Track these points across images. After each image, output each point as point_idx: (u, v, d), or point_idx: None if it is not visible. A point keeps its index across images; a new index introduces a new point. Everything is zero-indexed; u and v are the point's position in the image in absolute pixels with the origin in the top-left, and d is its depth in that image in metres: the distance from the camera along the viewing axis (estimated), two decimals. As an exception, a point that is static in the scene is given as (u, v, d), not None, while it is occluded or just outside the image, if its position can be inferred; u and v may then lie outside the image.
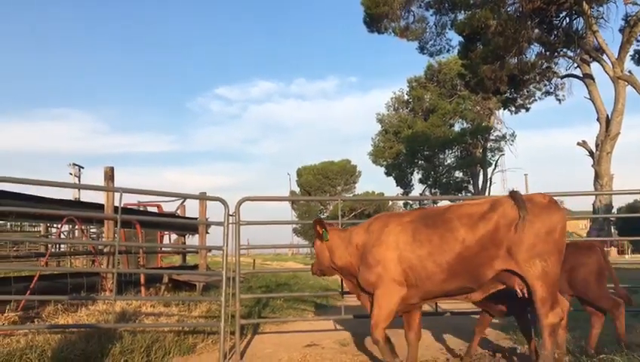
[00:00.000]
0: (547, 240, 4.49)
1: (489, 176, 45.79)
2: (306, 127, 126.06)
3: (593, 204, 17.58)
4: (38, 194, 8.88)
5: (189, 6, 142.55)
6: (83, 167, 34.84)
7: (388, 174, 50.32)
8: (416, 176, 49.90)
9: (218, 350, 6.15)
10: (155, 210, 17.61)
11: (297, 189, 65.00)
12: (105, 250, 10.33)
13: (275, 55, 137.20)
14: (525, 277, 4.52)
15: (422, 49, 25.77)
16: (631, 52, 18.56)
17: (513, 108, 25.59)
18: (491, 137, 45.89)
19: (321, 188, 63.39)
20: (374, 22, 23.44)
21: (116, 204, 9.38)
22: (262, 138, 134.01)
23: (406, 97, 50.43)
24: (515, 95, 24.23)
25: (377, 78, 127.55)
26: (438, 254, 4.69)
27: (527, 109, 25.43)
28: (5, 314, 6.86)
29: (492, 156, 46.66)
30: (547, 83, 24.04)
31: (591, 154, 18.49)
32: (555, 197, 4.83)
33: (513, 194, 4.73)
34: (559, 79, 23.29)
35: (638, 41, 18.39)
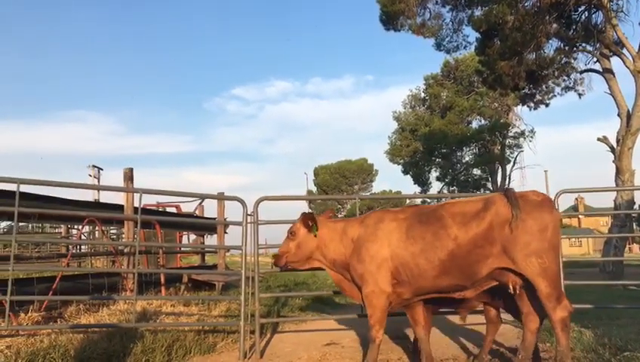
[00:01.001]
0: (541, 238, 4.55)
1: (508, 173, 45.37)
2: (322, 126, 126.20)
3: (614, 201, 17.29)
4: (59, 196, 9.01)
5: (205, 7, 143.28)
6: (102, 169, 35.16)
7: (405, 173, 50.14)
8: (434, 174, 49.68)
9: (238, 349, 6.18)
10: (173, 210, 17.76)
11: (314, 189, 65.10)
12: (125, 251, 10.44)
13: (291, 54, 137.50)
14: (525, 275, 4.57)
15: (438, 46, 25.57)
16: (651, 45, 18.22)
17: (532, 105, 25.21)
18: (510, 134, 45.46)
19: (338, 188, 63.40)
20: (390, 19, 23.28)
21: (136, 204, 9.48)
22: (278, 138, 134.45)
23: (423, 95, 50.15)
24: (534, 91, 23.88)
25: (394, 76, 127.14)
26: (431, 251, 4.77)
27: (547, 105, 25.05)
28: (29, 315, 6.96)
29: (511, 153, 46.25)
30: (566, 78, 23.67)
31: (612, 149, 18.20)
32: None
33: (506, 193, 4.79)
34: (578, 74, 22.93)
35: (659, 34, 18.07)
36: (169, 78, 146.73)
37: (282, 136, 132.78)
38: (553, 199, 6.97)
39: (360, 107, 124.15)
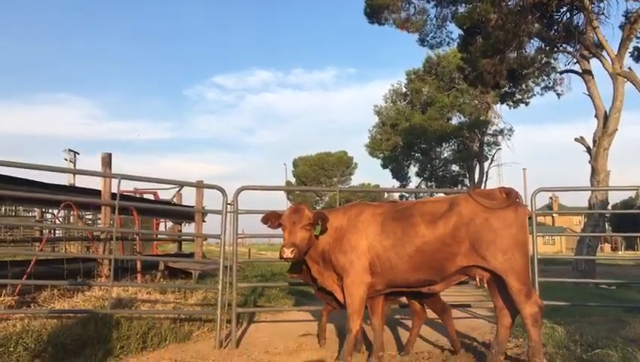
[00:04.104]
0: (505, 235, 4.70)
1: (485, 170, 45.75)
2: (303, 117, 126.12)
3: (589, 200, 17.57)
4: (35, 179, 8.86)
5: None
6: (78, 153, 34.50)
7: (384, 167, 50.22)
8: (413, 169, 49.87)
9: (214, 338, 6.17)
10: (151, 197, 17.59)
11: (293, 180, 64.98)
12: (101, 236, 10.32)
13: (274, 44, 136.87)
14: (495, 271, 4.73)
15: (422, 41, 25.62)
16: (630, 49, 18.41)
17: (511, 103, 25.43)
18: (489, 131, 45.71)
19: (317, 179, 63.37)
20: (375, 13, 23.27)
21: (113, 190, 9.36)
22: (259, 128, 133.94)
23: (404, 90, 50.16)
24: (514, 89, 24.07)
25: (376, 70, 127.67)
26: (400, 247, 4.94)
27: (526, 104, 25.30)
28: (1, 299, 6.85)
29: (489, 150, 46.53)
30: (546, 78, 23.89)
31: (588, 150, 18.46)
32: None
33: (471, 193, 4.98)
34: (558, 74, 23.14)
35: (638, 37, 18.27)
36: (150, 64, 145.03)
37: (262, 126, 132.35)
38: (530, 197, 7.09)
39: (341, 100, 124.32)
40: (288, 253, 4.93)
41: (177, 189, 16.89)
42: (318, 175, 64.71)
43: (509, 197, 4.85)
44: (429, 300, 5.70)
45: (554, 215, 65.88)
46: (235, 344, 6.16)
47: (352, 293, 5.10)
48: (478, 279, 4.91)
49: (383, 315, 5.58)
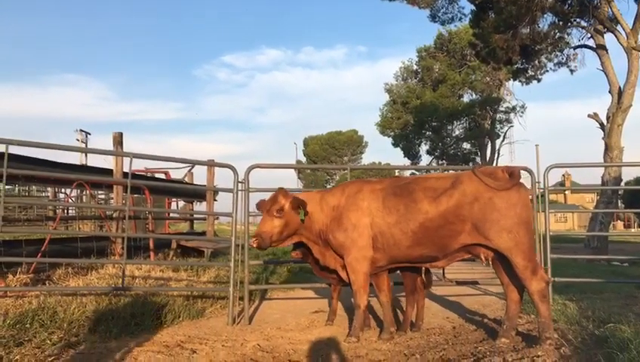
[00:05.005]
0: (510, 214, 4.68)
1: (497, 148, 45.50)
2: (313, 96, 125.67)
3: (602, 177, 17.43)
4: (48, 159, 8.91)
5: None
6: (90, 134, 34.79)
7: (395, 145, 50.10)
8: (424, 148, 49.68)
9: (227, 314, 6.22)
10: (162, 176, 17.65)
11: (304, 159, 65.00)
12: (114, 215, 10.40)
13: (283, 22, 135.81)
14: (499, 250, 4.73)
15: (433, 17, 25.35)
16: (646, 23, 18.15)
17: (524, 80, 25.10)
18: (500, 109, 45.38)
19: (327, 158, 63.35)
20: (386, -12, 23.05)
21: (126, 169, 9.41)
22: (269, 107, 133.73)
23: (415, 67, 49.80)
24: (527, 65, 23.74)
25: (387, 48, 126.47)
26: (404, 223, 4.93)
27: (539, 80, 24.93)
28: (17, 276, 6.93)
29: (501, 128, 46.22)
30: (559, 54, 23.58)
31: (602, 126, 18.26)
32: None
33: (475, 171, 4.93)
34: (572, 50, 22.83)
35: (654, 11, 17.96)
36: (159, 44, 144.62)
37: (273, 105, 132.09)
38: (543, 173, 7.03)
39: (352, 78, 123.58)
40: (252, 242, 5.25)
41: (188, 168, 16.96)
42: (329, 154, 64.67)
43: (513, 177, 4.83)
44: (407, 273, 5.74)
45: (566, 192, 65.53)
46: (247, 320, 6.21)
47: (355, 270, 5.15)
48: (483, 257, 4.92)
49: (390, 291, 5.61)
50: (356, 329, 5.20)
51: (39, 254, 7.45)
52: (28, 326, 5.14)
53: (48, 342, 4.82)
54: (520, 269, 4.65)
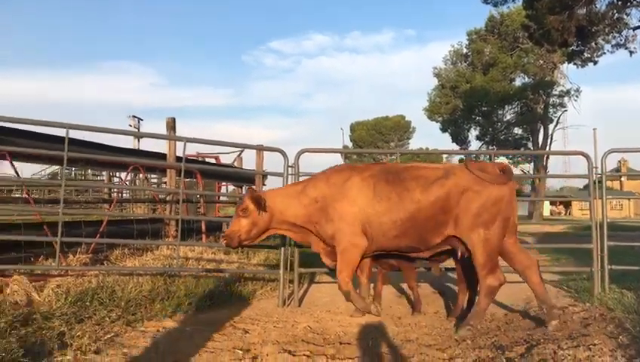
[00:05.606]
0: (492, 210, 4.77)
1: (550, 133, 44.22)
2: (360, 81, 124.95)
3: (662, 163, 16.73)
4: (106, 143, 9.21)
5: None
6: (142, 119, 35.72)
7: (443, 130, 49.34)
8: (473, 133, 48.76)
9: (277, 296, 6.32)
10: (212, 161, 17.95)
11: (350, 144, 64.80)
12: (167, 198, 10.66)
13: (330, 7, 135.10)
14: (467, 243, 4.83)
15: (485, -1, 24.81)
16: None
17: (579, 62, 24.24)
18: (554, 92, 44.02)
19: (373, 144, 62.94)
20: (435, -29, 22.61)
21: (178, 153, 9.62)
22: (315, 92, 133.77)
23: (465, 50, 48.77)
24: (583, 47, 22.90)
25: (435, 31, 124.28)
26: (396, 211, 4.93)
27: (595, 63, 24.02)
28: (77, 256, 7.20)
29: (554, 112, 44.91)
30: (617, 35, 22.65)
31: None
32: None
33: (466, 164, 4.98)
34: (631, 31, 21.89)
35: None
36: (210, 31, 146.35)
37: (319, 90, 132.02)
38: (600, 159, 6.77)
39: (399, 63, 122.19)
40: (222, 242, 5.55)
41: (238, 153, 17.20)
42: (375, 139, 64.22)
43: (506, 173, 4.91)
44: (381, 260, 5.81)
45: (622, 179, 63.26)
46: (297, 303, 6.29)
47: (346, 258, 5.16)
48: (460, 253, 5.03)
49: (370, 273, 5.79)
50: (366, 307, 5.45)
51: (97, 235, 7.71)
52: (88, 303, 5.35)
53: (107, 319, 5.02)
54: (478, 265, 4.78)
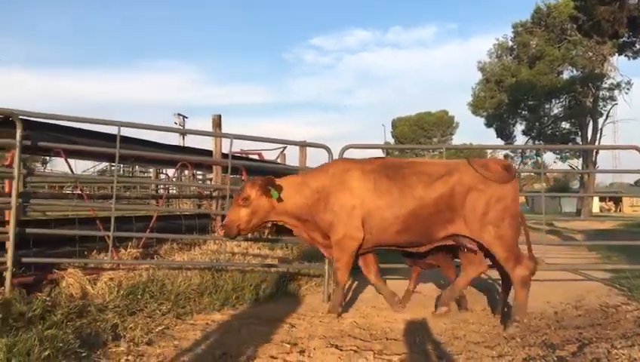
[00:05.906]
0: (498, 208, 4.76)
1: (599, 127, 42.86)
2: (401, 77, 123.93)
3: None
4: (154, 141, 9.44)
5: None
6: (187, 117, 36.38)
7: (488, 125, 48.40)
8: (519, 128, 47.66)
9: (322, 292, 6.38)
10: (256, 158, 18.16)
11: (392, 140, 64.39)
12: (213, 194, 10.84)
13: (371, 2, 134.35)
14: (482, 243, 4.83)
15: (531, -9, 24.28)
16: None
17: (631, 54, 23.42)
18: (604, 85, 42.61)
19: (416, 140, 62.27)
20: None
21: (224, 150, 9.77)
22: (356, 88, 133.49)
23: (510, 44, 47.66)
24: (634, 39, 22.15)
25: (479, 25, 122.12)
26: (397, 207, 4.92)
27: (647, 55, 23.26)
28: (128, 250, 7.42)
29: (604, 106, 43.44)
30: (672, 25, 21.81)
31: None
32: None
33: (470, 161, 4.94)
34: (686, 21, 21.05)
35: None
36: (250, 29, 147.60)
37: (361, 86, 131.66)
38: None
39: (442, 57, 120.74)
40: (220, 233, 5.53)
41: (281, 150, 17.35)
42: (418, 135, 63.54)
43: (509, 171, 4.89)
44: (418, 260, 5.82)
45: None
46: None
47: (342, 248, 5.15)
48: (468, 246, 5.02)
49: (377, 271, 5.70)
50: (335, 306, 5.34)
51: (148, 230, 7.91)
52: (139, 296, 5.53)
53: (158, 312, 5.18)
54: (502, 261, 4.79)
